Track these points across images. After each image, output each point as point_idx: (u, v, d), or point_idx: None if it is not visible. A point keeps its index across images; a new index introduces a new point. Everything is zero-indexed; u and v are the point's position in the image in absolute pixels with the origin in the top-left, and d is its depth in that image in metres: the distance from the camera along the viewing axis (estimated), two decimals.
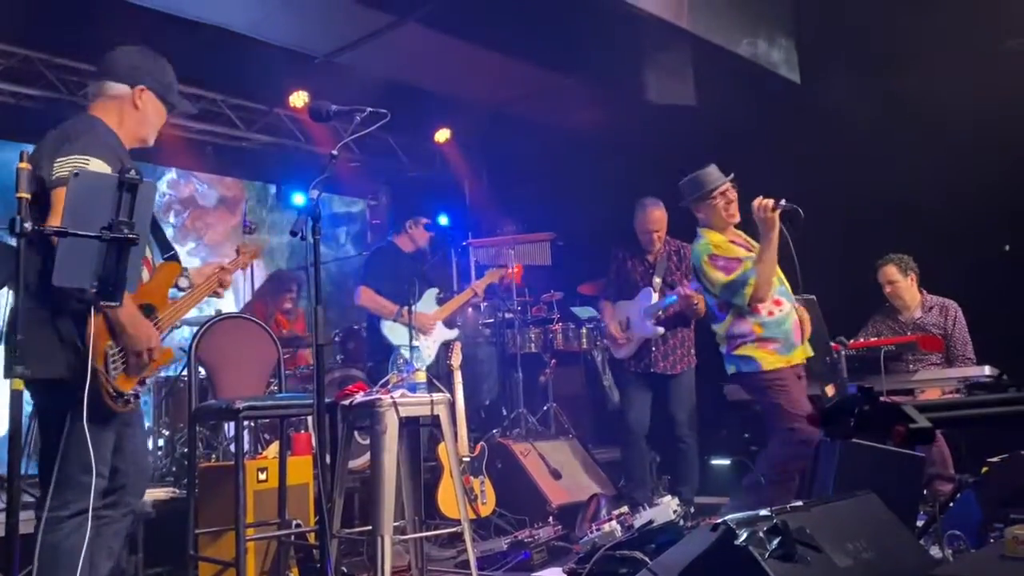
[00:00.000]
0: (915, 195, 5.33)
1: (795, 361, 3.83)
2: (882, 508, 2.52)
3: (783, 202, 3.71)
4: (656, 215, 5.08)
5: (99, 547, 2.62)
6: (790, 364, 3.80)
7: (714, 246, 3.89)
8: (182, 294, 2.96)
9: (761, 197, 3.73)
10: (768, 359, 3.78)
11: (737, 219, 3.95)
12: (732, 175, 3.97)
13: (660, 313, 4.99)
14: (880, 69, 5.68)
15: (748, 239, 4.02)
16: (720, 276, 3.80)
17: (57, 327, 2.46)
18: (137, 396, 2.69)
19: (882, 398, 1.97)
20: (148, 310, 2.71)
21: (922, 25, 5.35)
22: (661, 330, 4.99)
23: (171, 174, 7.58)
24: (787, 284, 3.92)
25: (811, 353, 3.90)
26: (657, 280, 5.08)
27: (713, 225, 3.96)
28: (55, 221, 2.28)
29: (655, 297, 5.05)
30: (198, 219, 7.71)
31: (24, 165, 2.12)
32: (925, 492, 3.75)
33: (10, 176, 2.18)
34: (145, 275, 2.79)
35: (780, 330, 3.81)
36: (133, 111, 2.73)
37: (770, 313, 3.81)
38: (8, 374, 2.04)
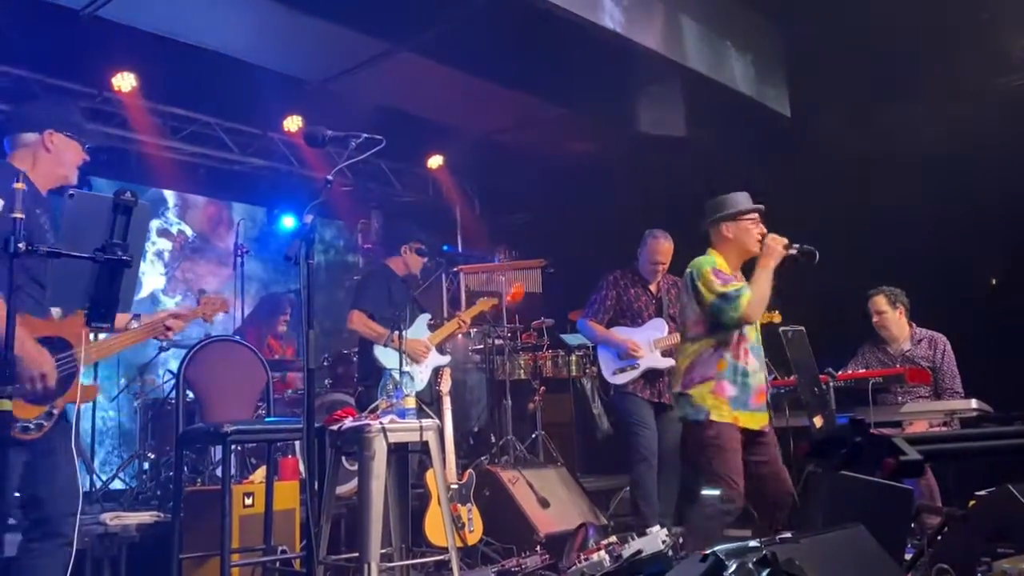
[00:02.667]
0: (903, 229, 5.39)
1: (742, 423, 3.69)
2: (871, 541, 2.51)
3: (798, 245, 3.72)
4: (666, 247, 5.07)
5: None
6: (736, 423, 3.68)
7: (719, 265, 3.83)
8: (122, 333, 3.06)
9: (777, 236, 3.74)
10: (719, 409, 3.67)
11: (758, 249, 3.86)
12: (763, 207, 3.92)
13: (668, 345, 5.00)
14: (869, 104, 5.76)
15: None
16: (718, 283, 3.73)
17: None
18: (42, 426, 2.68)
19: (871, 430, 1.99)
20: (60, 344, 2.75)
21: (910, 61, 5.45)
22: (672, 361, 4.97)
23: (161, 222, 7.53)
24: (761, 346, 3.86)
25: (761, 425, 3.76)
26: (664, 311, 5.10)
27: (730, 251, 3.87)
28: None
29: (666, 329, 5.04)
30: (188, 271, 7.65)
31: (19, 185, 2.13)
32: (913, 525, 3.74)
33: None
34: (57, 312, 2.81)
35: (743, 380, 3.71)
36: (45, 154, 2.90)
37: (737, 356, 3.72)
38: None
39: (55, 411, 2.73)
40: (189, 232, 7.72)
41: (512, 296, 6.68)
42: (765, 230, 3.87)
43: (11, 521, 3.56)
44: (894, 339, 5.01)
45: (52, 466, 2.74)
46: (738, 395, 3.69)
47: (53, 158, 2.91)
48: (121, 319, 3.12)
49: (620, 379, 5.09)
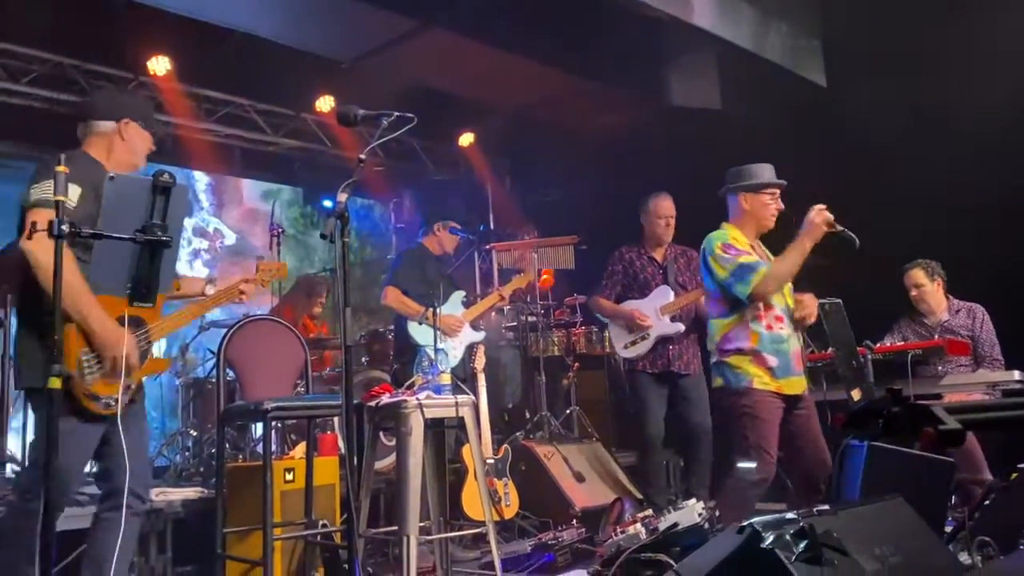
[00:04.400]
0: (942, 199, 5.27)
1: (786, 391, 3.65)
2: (910, 513, 2.50)
3: (842, 228, 3.59)
4: (669, 203, 5.08)
5: (108, 547, 2.75)
6: (779, 391, 3.64)
7: (733, 239, 3.75)
8: (199, 299, 3.22)
9: (825, 209, 3.60)
10: (761, 377, 3.62)
11: (772, 224, 3.84)
12: (785, 183, 3.85)
13: (678, 311, 5.00)
14: (907, 71, 5.63)
15: (768, 253, 3.90)
16: (729, 258, 3.66)
17: (38, 338, 2.67)
18: (127, 400, 2.79)
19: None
20: (134, 322, 2.82)
21: (949, 27, 5.31)
22: (682, 327, 4.97)
23: (196, 220, 7.57)
24: (792, 309, 3.79)
25: (802, 390, 3.73)
26: (671, 279, 5.08)
27: (745, 223, 3.82)
28: (24, 238, 2.48)
29: (672, 295, 5.02)
30: (225, 271, 7.64)
31: (62, 168, 2.17)
32: (954, 497, 3.70)
33: None
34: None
35: (779, 348, 3.66)
36: (120, 143, 2.97)
37: (769, 327, 3.66)
38: (50, 372, 2.10)
39: (133, 386, 2.85)
40: (227, 232, 7.75)
41: (543, 283, 6.70)
42: (783, 206, 3.81)
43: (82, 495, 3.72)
44: (932, 312, 4.95)
45: (129, 441, 2.83)
46: (780, 363, 3.64)
47: (127, 146, 2.98)
48: (196, 284, 3.28)
49: (632, 352, 5.08)
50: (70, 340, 2.65)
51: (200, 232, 7.60)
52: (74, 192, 2.62)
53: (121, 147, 2.97)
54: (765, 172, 3.83)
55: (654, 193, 5.15)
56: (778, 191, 3.82)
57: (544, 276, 6.74)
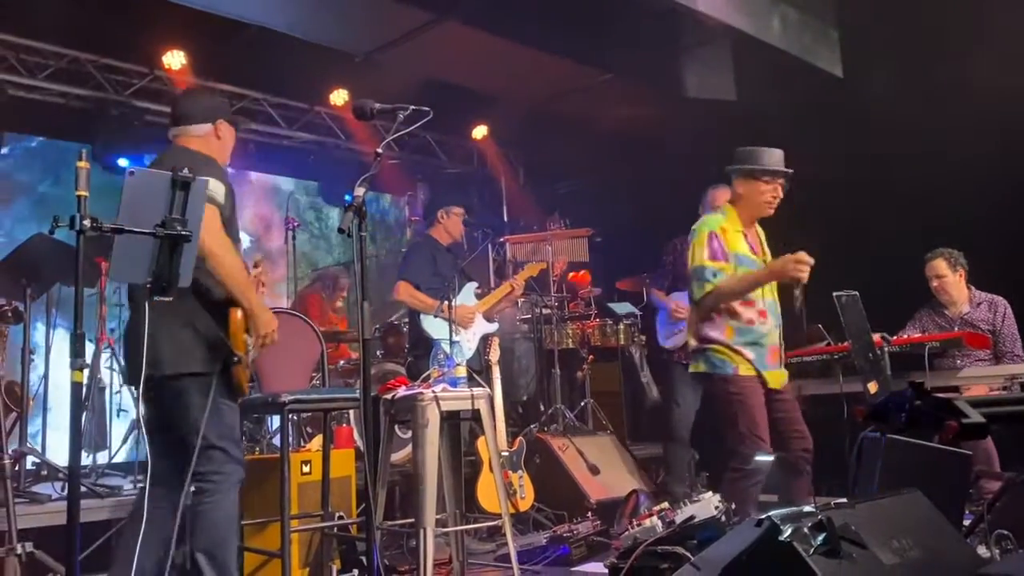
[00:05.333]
0: (960, 190, 5.24)
1: (768, 383, 3.63)
2: (928, 506, 2.49)
3: (800, 292, 3.51)
4: (725, 193, 5.02)
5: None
6: (761, 379, 3.62)
7: (722, 228, 3.67)
8: None
9: (804, 264, 3.46)
10: (744, 364, 3.59)
11: (770, 213, 3.76)
12: (791, 172, 3.73)
13: None
14: (924, 62, 5.59)
15: (763, 242, 3.85)
16: (702, 255, 3.61)
17: (194, 324, 2.80)
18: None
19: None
20: None
21: (967, 17, 5.26)
22: None
23: None
24: (778, 302, 3.75)
25: (780, 384, 3.70)
26: None
27: (742, 207, 3.74)
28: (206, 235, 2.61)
29: None
30: None
31: (83, 164, 2.18)
32: (971, 491, 3.68)
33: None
34: None
35: (759, 342, 3.63)
36: (216, 142, 3.17)
37: (750, 321, 3.61)
38: (73, 366, 2.11)
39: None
40: (241, 236, 7.74)
41: (579, 279, 6.74)
42: (781, 195, 3.71)
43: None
44: (953, 303, 4.89)
45: None
46: (756, 357, 3.62)
47: (222, 144, 3.19)
48: None
49: (671, 343, 5.15)
50: (237, 324, 2.82)
51: None
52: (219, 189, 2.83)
53: (217, 145, 3.15)
54: (765, 157, 3.71)
55: (712, 184, 5.05)
56: (779, 180, 3.70)
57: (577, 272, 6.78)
